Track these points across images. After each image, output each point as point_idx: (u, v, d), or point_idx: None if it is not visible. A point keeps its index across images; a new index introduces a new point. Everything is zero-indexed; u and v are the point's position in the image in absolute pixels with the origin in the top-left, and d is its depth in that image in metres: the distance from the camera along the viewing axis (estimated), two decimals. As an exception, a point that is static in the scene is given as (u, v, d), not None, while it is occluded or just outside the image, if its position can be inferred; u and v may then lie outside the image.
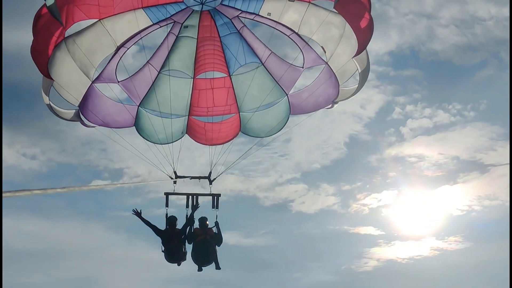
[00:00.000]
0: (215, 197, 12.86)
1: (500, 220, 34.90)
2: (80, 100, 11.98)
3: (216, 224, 12.64)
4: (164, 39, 12.24)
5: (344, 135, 35.85)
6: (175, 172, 12.84)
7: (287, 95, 12.84)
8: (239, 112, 13.21)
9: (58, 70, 11.29)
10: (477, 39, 34.10)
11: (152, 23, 11.82)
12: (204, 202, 13.00)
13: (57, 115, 12.09)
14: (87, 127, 12.64)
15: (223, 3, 11.81)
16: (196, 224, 12.62)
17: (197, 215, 12.66)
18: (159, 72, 12.52)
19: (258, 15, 11.78)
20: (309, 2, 11.30)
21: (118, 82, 12.31)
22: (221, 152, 13.15)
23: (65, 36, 11.13)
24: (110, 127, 12.70)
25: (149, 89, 12.58)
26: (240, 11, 11.88)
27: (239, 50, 12.37)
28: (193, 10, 12.00)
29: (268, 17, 11.74)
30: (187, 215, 12.63)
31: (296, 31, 11.78)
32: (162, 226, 12.48)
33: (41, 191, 5.55)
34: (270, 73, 12.58)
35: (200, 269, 12.40)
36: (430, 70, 35.84)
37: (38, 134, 35.08)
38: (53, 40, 10.98)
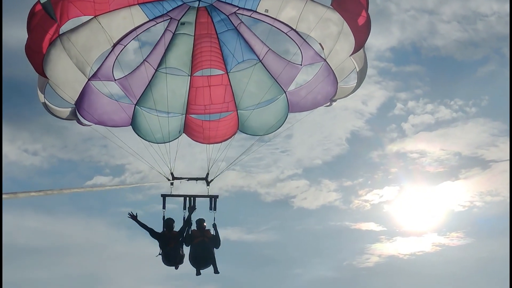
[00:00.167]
0: (213, 199, 12.68)
1: (501, 216, 34.82)
2: (76, 98, 11.85)
3: (214, 226, 12.46)
4: (161, 36, 12.09)
5: (345, 131, 35.79)
6: (172, 174, 12.69)
7: (285, 92, 12.69)
8: (237, 110, 13.07)
9: (54, 68, 11.15)
10: (479, 35, 33.92)
11: (148, 20, 11.67)
12: (203, 202, 12.87)
13: (53, 114, 11.96)
14: (83, 125, 12.51)
15: (220, -1, 11.68)
16: (194, 226, 12.45)
17: (194, 217, 12.49)
18: (156, 70, 12.36)
19: (256, 11, 11.62)
20: (307, -2, 11.14)
21: (115, 80, 12.15)
22: (221, 149, 13.03)
23: (60, 33, 10.99)
24: (107, 126, 12.55)
25: (146, 87, 12.42)
26: (237, 8, 11.71)
27: (237, 47, 12.21)
28: (190, 6, 11.86)
29: (266, 13, 11.58)
30: (184, 217, 12.45)
31: (294, 28, 11.61)
32: (159, 228, 12.32)
33: (36, 193, 5.50)
34: (268, 70, 12.42)
35: (198, 273, 12.21)
36: (432, 66, 35.72)
37: (40, 130, 35.10)
38: (48, 38, 10.83)
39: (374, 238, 35.67)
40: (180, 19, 11.91)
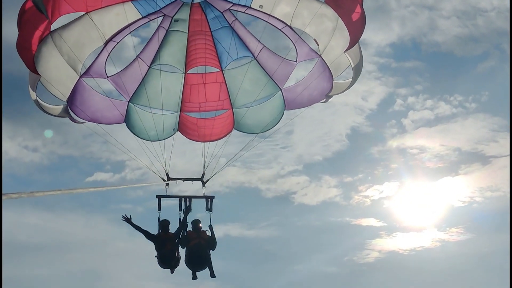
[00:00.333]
0: (209, 200, 12.53)
1: (501, 212, 34.77)
2: (68, 96, 11.71)
3: (210, 227, 12.30)
4: (154, 33, 11.96)
5: (345, 127, 35.77)
6: (167, 174, 12.54)
7: (281, 89, 12.56)
8: (232, 108, 12.92)
9: (45, 65, 11.00)
10: (479, 31, 33.79)
11: (141, 16, 11.53)
12: (200, 202, 12.72)
13: (45, 111, 11.83)
14: (76, 123, 12.39)
15: (214, -5, 11.54)
16: (189, 227, 12.30)
17: (190, 218, 12.35)
18: (149, 67, 12.22)
19: (250, 7, 11.48)
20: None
21: (107, 77, 12.01)
22: (219, 145, 12.91)
23: (51, 30, 10.85)
24: (100, 123, 12.42)
25: (139, 84, 12.28)
26: (232, 4, 11.57)
27: (231, 44, 12.06)
28: (184, 2, 11.72)
29: (260, 9, 11.44)
30: (180, 219, 12.30)
31: (289, 24, 11.47)
32: (154, 229, 12.20)
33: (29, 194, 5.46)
34: (263, 68, 12.28)
35: (194, 277, 12.05)
36: (432, 62, 35.65)
37: (40, 126, 35.04)
38: (39, 35, 10.70)
39: (374, 233, 35.73)
40: (173, 16, 11.78)
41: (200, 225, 12.36)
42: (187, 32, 12.05)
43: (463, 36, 33.69)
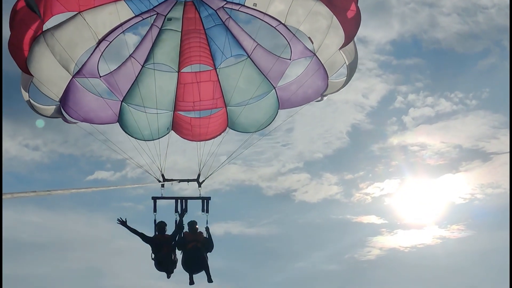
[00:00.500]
0: (205, 201, 12.44)
1: (502, 208, 34.64)
2: (61, 96, 11.63)
3: (207, 229, 12.21)
4: (147, 31, 11.86)
5: (346, 124, 35.69)
6: (162, 175, 12.44)
7: (274, 88, 12.46)
8: (226, 107, 12.81)
9: (37, 65, 10.93)
10: (479, 27, 33.64)
11: (134, 15, 11.44)
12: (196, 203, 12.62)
13: (37, 112, 11.75)
14: (69, 123, 12.31)
15: (208, -8, 11.43)
16: (186, 228, 12.20)
17: (186, 219, 12.27)
18: (142, 66, 12.12)
19: (244, 5, 11.38)
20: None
21: (100, 77, 11.91)
22: (217, 143, 12.84)
23: (44, 30, 10.78)
24: (93, 123, 12.34)
25: (133, 83, 12.19)
26: (225, 2, 11.47)
27: (225, 42, 11.96)
28: (177, 1, 11.61)
29: (254, 7, 11.34)
30: (176, 221, 12.18)
31: (283, 22, 11.37)
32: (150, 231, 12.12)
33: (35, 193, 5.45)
34: (257, 66, 12.17)
35: (191, 282, 11.90)
36: (432, 59, 35.55)
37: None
38: (31, 35, 10.62)
39: (375, 231, 35.69)
40: (166, 14, 11.68)
41: (197, 226, 12.26)
42: (180, 30, 11.95)
43: (464, 33, 33.59)
